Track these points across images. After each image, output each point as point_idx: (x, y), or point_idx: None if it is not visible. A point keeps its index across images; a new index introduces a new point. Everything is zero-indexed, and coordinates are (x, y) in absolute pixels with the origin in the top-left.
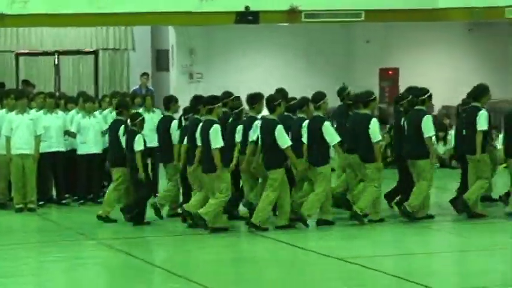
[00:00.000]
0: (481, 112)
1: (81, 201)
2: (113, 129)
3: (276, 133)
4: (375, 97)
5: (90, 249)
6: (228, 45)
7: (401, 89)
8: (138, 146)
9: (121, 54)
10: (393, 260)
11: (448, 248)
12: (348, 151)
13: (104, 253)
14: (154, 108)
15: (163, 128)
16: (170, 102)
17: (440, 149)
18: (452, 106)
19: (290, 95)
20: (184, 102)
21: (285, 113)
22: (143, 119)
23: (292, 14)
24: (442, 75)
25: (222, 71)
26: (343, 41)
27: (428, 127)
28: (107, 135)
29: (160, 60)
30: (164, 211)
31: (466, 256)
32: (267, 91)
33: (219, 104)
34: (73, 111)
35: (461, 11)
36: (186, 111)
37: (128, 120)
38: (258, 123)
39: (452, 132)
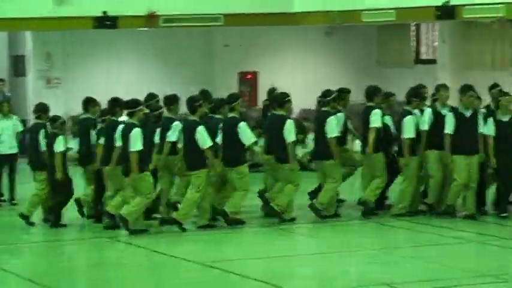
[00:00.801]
0: (375, 110)
1: None
2: (32, 132)
3: (197, 134)
4: (290, 98)
5: None
6: (86, 49)
7: (260, 93)
8: (59, 147)
9: None
10: (253, 263)
11: (308, 251)
12: (266, 152)
13: None
14: (11, 115)
15: (83, 129)
16: (88, 103)
17: (300, 151)
18: (312, 109)
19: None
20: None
21: (209, 114)
22: (64, 121)
23: (151, 19)
24: (301, 79)
25: (81, 76)
26: (202, 45)
27: (331, 128)
28: None
29: (17, 65)
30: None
31: (325, 258)
32: (128, 95)
33: (140, 107)
34: None
35: (318, 14)
36: (103, 113)
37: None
38: (177, 124)
39: (311, 135)
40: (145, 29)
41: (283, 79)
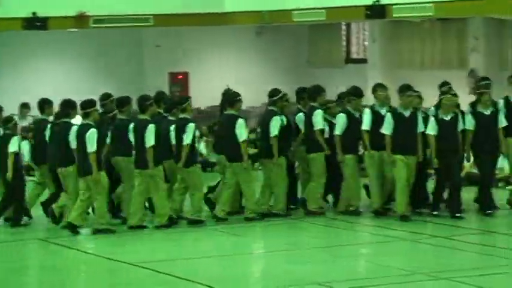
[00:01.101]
0: (317, 111)
1: None
2: None
3: (146, 132)
4: (240, 98)
5: None
6: (17, 51)
7: (191, 93)
8: (12, 147)
9: None
10: (182, 263)
11: (244, 251)
12: (218, 151)
13: None
14: None
15: (37, 130)
16: (44, 105)
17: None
18: (242, 109)
19: (77, 99)
20: None
21: (164, 114)
22: (16, 122)
23: (81, 19)
24: (232, 79)
25: (12, 77)
26: (133, 45)
27: (273, 127)
28: None
29: None
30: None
31: (261, 258)
32: (57, 96)
33: (95, 108)
34: None
35: (249, 14)
36: (57, 115)
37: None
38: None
39: None
40: (75, 30)
41: (214, 79)
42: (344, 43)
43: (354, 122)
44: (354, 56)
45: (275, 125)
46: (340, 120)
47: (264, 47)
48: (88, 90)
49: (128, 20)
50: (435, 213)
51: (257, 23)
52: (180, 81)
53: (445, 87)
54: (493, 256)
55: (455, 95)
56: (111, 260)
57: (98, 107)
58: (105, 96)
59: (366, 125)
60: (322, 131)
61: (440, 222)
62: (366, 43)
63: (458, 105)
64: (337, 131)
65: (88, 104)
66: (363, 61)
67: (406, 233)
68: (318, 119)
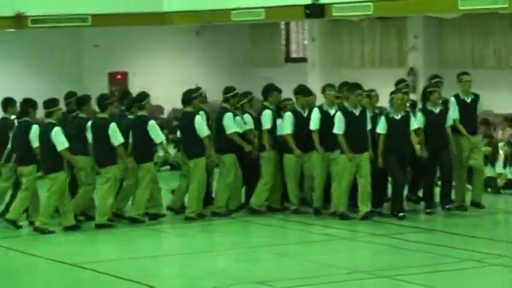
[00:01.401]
0: (265, 111)
1: None
2: None
3: (110, 131)
4: (199, 94)
5: None
6: None
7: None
8: None
9: None
10: (123, 263)
11: (179, 250)
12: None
13: None
14: None
15: (1, 129)
16: (7, 103)
17: (172, 151)
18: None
19: (17, 100)
20: None
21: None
22: None
23: (19, 20)
24: (172, 79)
25: None
26: (71, 45)
27: (228, 124)
28: None
29: None
30: None
31: (195, 257)
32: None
33: (58, 107)
34: None
35: (188, 14)
36: (18, 115)
37: None
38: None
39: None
40: (13, 30)
41: (154, 79)
42: (284, 42)
43: (301, 121)
44: (294, 55)
45: (231, 121)
46: (287, 119)
47: (204, 46)
48: (27, 90)
49: (66, 20)
50: (401, 215)
51: (195, 23)
52: (119, 81)
53: (401, 85)
54: (435, 254)
55: (406, 93)
56: (51, 260)
57: (60, 106)
58: (70, 95)
59: (314, 124)
60: (269, 130)
61: (382, 221)
62: (306, 42)
63: (414, 104)
64: (286, 130)
65: (51, 103)
66: (303, 60)
67: (345, 231)
68: (266, 119)
